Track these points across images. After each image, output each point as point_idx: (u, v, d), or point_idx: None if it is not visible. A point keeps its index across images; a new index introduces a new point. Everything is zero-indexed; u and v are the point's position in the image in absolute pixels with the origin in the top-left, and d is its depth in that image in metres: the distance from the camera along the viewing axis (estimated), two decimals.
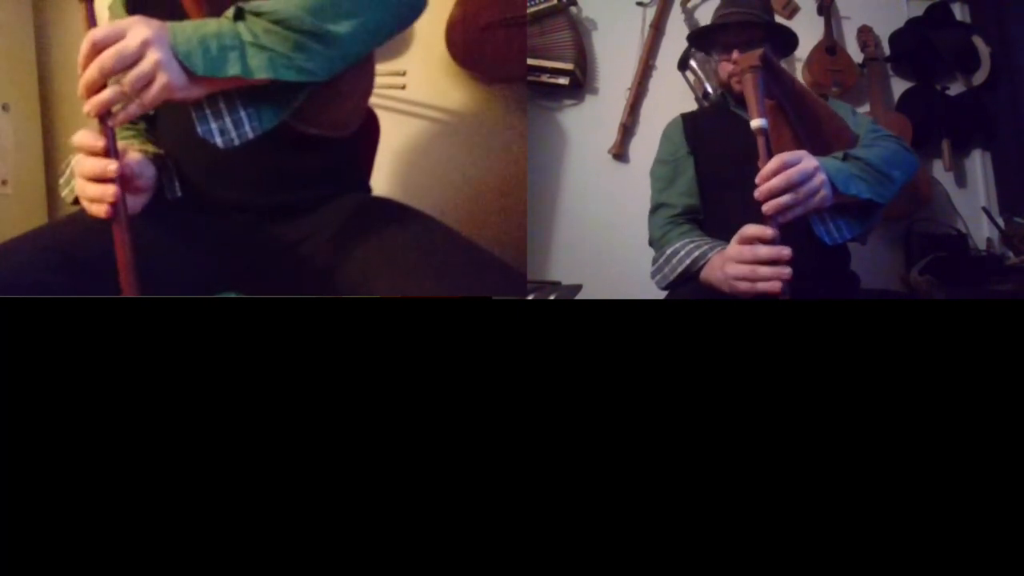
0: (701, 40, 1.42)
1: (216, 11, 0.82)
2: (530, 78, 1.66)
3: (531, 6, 1.69)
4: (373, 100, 1.07)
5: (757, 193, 0.94)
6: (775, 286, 0.94)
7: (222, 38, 0.78)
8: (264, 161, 0.95)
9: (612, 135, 1.73)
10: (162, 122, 1.01)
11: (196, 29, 0.78)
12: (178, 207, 0.96)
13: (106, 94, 0.76)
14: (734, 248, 0.99)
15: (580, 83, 1.73)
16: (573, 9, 1.74)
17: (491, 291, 0.87)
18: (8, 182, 1.52)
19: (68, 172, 0.90)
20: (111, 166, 0.78)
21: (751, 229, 0.97)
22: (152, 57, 0.74)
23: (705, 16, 1.75)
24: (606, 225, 1.69)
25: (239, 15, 0.80)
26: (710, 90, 1.69)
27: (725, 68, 1.29)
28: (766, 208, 0.94)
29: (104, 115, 0.77)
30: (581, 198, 1.72)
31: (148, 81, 0.75)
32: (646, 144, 1.70)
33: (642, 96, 1.76)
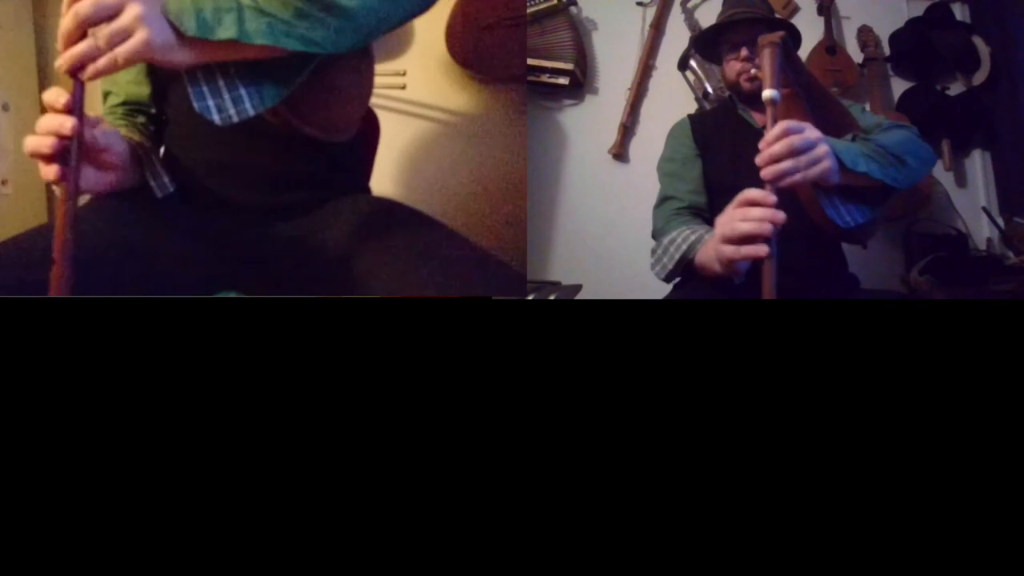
0: (706, 43, 1.41)
1: None
2: (530, 78, 1.66)
3: (531, 6, 1.69)
4: (373, 100, 1.07)
5: (758, 159, 0.92)
6: (761, 249, 0.89)
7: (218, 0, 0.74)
8: (266, 161, 0.95)
9: (612, 135, 1.73)
10: (171, 117, 1.00)
11: None
12: (176, 205, 0.96)
13: (79, 47, 0.71)
14: (726, 214, 0.96)
15: (580, 83, 1.73)
16: (573, 9, 1.74)
17: (491, 291, 0.86)
18: (8, 182, 1.52)
19: None
20: (67, 122, 0.73)
21: (752, 193, 0.92)
22: (133, 11, 0.70)
23: (705, 16, 1.75)
24: (606, 225, 1.69)
25: None
26: (710, 90, 1.69)
27: (733, 67, 1.29)
28: (765, 173, 0.92)
29: (76, 70, 0.73)
30: (581, 198, 1.72)
31: (125, 36, 0.71)
32: (646, 144, 1.71)
33: (642, 96, 1.76)
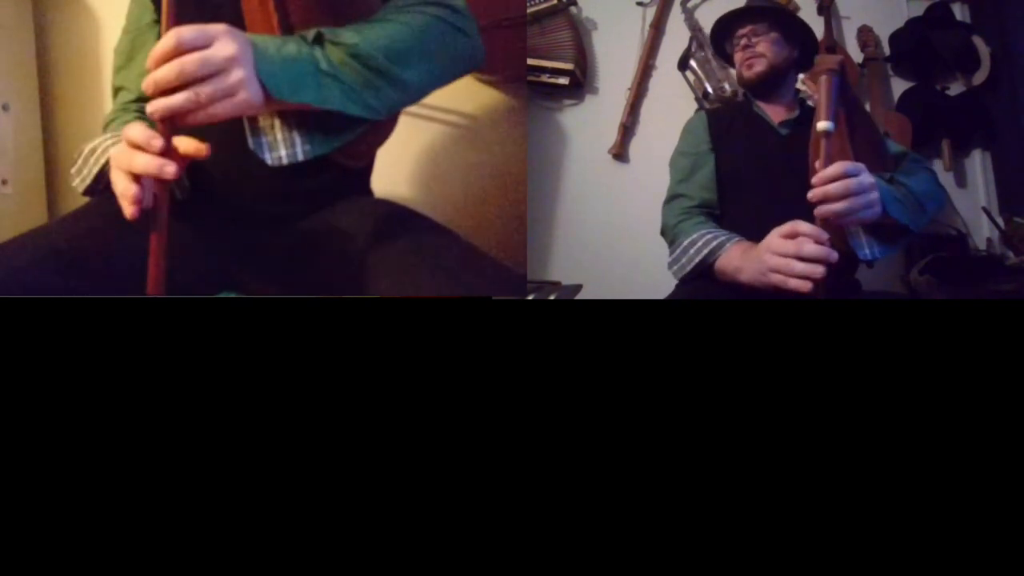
0: (719, 33, 1.40)
1: (284, 18, 0.82)
2: (530, 78, 1.66)
3: (531, 6, 1.69)
4: None
5: (811, 195, 0.94)
6: (807, 285, 0.93)
7: (301, 63, 0.77)
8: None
9: (612, 135, 1.73)
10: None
11: (278, 50, 0.77)
12: (181, 206, 0.96)
13: (178, 99, 0.73)
14: (776, 240, 0.99)
15: (580, 83, 1.73)
16: (573, 9, 1.74)
17: (491, 291, 0.87)
18: (8, 182, 1.52)
19: (80, 162, 0.89)
20: (169, 167, 0.75)
21: (805, 227, 0.96)
22: (238, 74, 0.73)
23: (705, 16, 1.75)
24: (606, 225, 1.69)
25: (318, 39, 0.79)
26: (710, 90, 1.69)
27: (738, 59, 1.30)
28: (820, 212, 0.95)
29: (167, 118, 0.75)
30: (581, 198, 1.72)
31: (228, 96, 0.74)
32: (646, 144, 1.70)
33: (642, 96, 1.75)
